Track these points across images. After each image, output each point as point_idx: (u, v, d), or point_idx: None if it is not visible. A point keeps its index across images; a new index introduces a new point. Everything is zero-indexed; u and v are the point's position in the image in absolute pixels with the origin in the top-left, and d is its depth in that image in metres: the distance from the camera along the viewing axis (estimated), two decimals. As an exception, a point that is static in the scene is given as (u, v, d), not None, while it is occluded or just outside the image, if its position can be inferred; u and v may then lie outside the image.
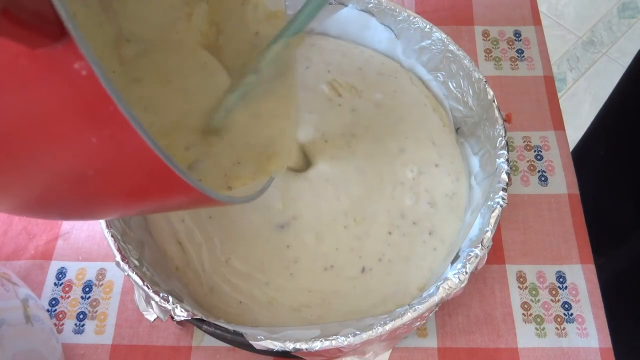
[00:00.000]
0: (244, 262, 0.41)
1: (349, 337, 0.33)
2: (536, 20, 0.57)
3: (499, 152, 0.39)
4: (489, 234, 0.36)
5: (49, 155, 0.19)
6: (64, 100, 0.17)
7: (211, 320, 0.34)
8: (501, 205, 0.37)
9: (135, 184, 0.20)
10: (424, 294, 0.36)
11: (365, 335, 0.33)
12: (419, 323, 0.35)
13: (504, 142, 0.39)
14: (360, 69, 0.49)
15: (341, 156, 0.45)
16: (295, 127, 0.35)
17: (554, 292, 0.43)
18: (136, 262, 0.36)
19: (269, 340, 0.33)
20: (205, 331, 0.36)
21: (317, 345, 0.33)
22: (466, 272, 0.35)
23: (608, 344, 0.41)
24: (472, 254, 0.35)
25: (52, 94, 0.17)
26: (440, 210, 0.43)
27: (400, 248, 0.42)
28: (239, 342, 0.34)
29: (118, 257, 0.35)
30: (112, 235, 0.36)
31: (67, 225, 0.46)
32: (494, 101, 0.41)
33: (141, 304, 0.37)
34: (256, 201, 0.42)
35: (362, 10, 0.48)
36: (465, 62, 0.43)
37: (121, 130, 0.17)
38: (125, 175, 0.20)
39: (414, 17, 0.45)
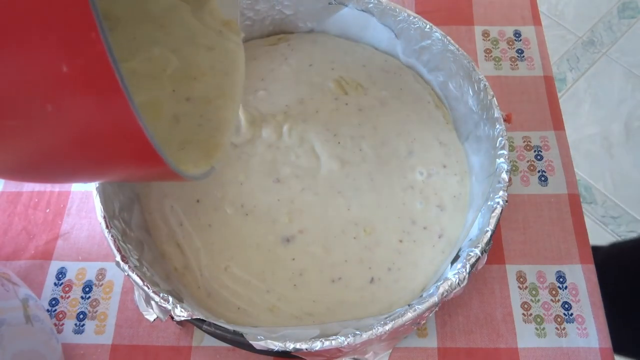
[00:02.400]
0: (244, 270, 0.41)
1: (349, 337, 0.33)
2: (536, 20, 0.57)
3: (499, 152, 0.39)
4: (489, 234, 0.36)
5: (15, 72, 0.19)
6: (46, 22, 0.17)
7: (211, 320, 0.34)
8: (501, 205, 0.37)
9: (97, 123, 0.20)
10: (424, 294, 0.36)
11: (365, 335, 0.33)
12: (419, 323, 0.35)
13: (504, 142, 0.39)
14: (364, 66, 0.49)
15: (353, 161, 0.45)
16: (234, 125, 0.36)
17: (554, 292, 0.43)
18: (136, 262, 0.36)
19: (269, 340, 0.33)
20: (205, 331, 0.36)
21: (317, 345, 0.33)
22: (466, 272, 0.35)
23: (608, 344, 0.41)
24: (472, 254, 0.35)
25: (40, 18, 0.17)
26: (448, 213, 0.43)
27: (410, 255, 0.41)
28: (239, 342, 0.34)
29: (118, 257, 0.35)
30: (112, 235, 0.36)
31: (67, 225, 0.46)
32: (494, 101, 0.41)
33: (141, 304, 0.37)
34: (259, 214, 0.42)
35: (362, 10, 0.48)
36: (465, 62, 0.43)
37: (96, 61, 0.17)
38: (89, 114, 0.20)
39: (414, 17, 0.45)
